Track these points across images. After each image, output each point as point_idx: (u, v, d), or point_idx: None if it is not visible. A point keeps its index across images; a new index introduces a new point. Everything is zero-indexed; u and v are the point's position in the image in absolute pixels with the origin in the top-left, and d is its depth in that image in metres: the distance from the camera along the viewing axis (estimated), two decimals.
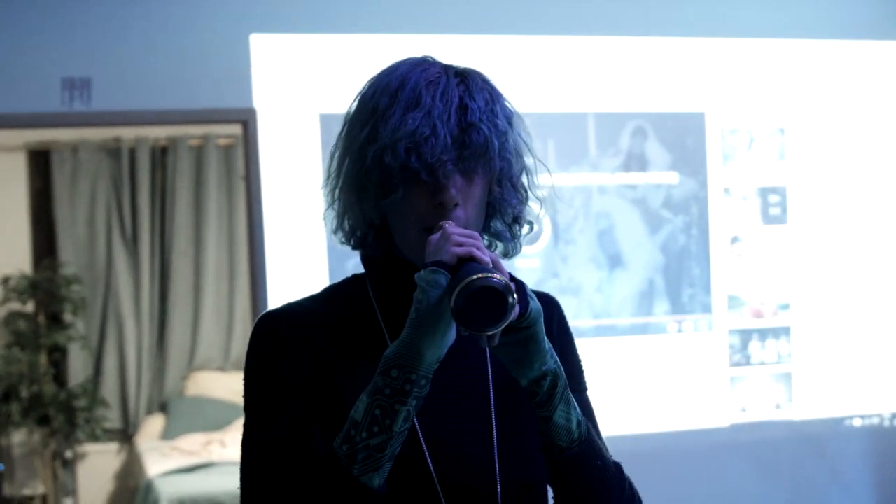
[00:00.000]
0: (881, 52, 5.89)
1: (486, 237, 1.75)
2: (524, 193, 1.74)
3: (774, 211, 5.72)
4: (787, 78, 5.73)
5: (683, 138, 5.60)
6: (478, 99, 1.65)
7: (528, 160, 1.76)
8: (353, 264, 5.09)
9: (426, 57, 1.76)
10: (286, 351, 1.69)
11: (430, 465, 1.66)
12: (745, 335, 5.67)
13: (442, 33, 5.27)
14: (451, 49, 5.41)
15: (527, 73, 5.38)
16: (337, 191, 1.74)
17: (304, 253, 5.13)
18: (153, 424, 8.23)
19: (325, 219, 1.80)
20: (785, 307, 5.72)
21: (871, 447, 5.88)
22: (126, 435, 8.32)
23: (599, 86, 5.50)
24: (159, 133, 8.31)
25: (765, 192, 5.70)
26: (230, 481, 6.80)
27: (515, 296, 1.49)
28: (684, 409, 5.59)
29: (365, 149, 1.66)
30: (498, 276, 1.48)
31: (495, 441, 1.71)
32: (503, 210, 1.73)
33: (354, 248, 1.78)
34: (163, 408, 8.39)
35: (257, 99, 5.10)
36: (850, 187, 5.82)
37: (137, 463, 7.71)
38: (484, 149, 1.64)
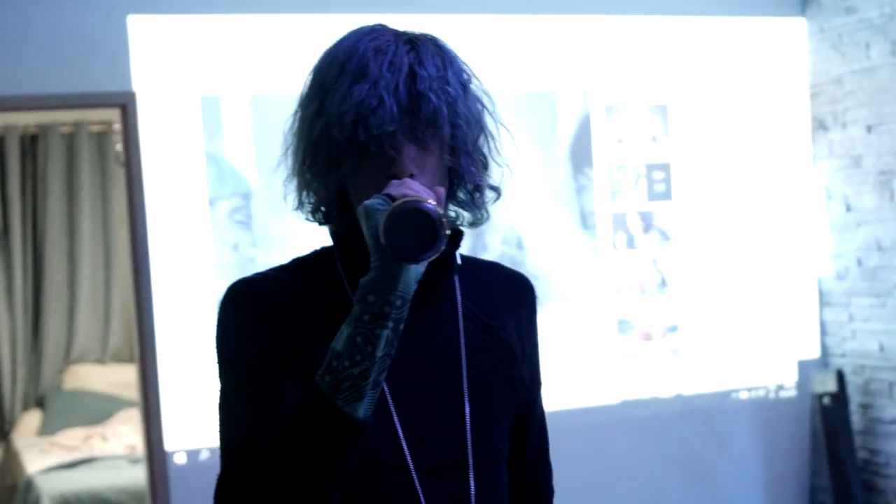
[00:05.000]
0: (760, 29, 5.96)
1: (451, 207, 1.75)
2: (483, 160, 1.72)
3: (659, 187, 5.76)
4: (668, 55, 5.77)
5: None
6: (428, 66, 1.63)
7: (491, 126, 1.74)
8: (241, 252, 4.99)
9: (378, 25, 1.71)
10: (260, 317, 1.67)
11: (400, 431, 1.67)
12: (633, 312, 5.71)
13: (319, 12, 5.18)
14: (330, 28, 5.34)
15: None
16: (295, 167, 1.72)
17: (187, 238, 5.02)
18: (30, 420, 8.00)
19: (284, 195, 1.77)
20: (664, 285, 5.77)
21: (757, 419, 5.96)
22: (2, 432, 8.09)
23: (481, 65, 5.47)
24: (28, 120, 8.07)
25: (650, 169, 5.74)
26: (113, 475, 6.71)
27: (446, 226, 1.49)
28: (575, 387, 5.60)
29: (313, 123, 1.65)
30: (432, 203, 1.48)
31: (468, 414, 1.71)
32: (463, 178, 1.71)
33: (320, 223, 1.76)
34: (40, 403, 8.16)
35: (136, 82, 4.96)
36: (733, 163, 5.89)
37: (15, 460, 7.49)
38: (433, 117, 1.61)
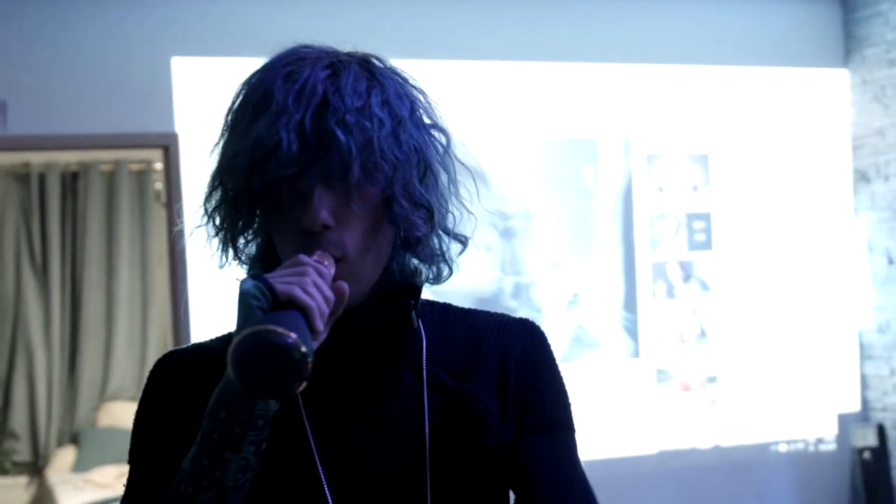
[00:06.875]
0: (802, 80, 5.94)
1: (408, 259, 1.45)
2: (428, 206, 1.39)
3: (700, 237, 5.73)
4: (709, 104, 5.75)
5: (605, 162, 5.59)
6: (346, 94, 1.33)
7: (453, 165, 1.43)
8: None
9: (305, 45, 1.44)
10: (175, 401, 1.41)
11: None
12: (672, 362, 5.66)
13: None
14: None
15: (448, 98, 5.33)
16: (212, 225, 1.49)
17: (226, 281, 5.01)
18: (64, 457, 8.00)
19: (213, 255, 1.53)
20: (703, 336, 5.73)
21: (796, 473, 5.89)
22: (36, 468, 8.08)
23: (522, 111, 5.47)
24: (70, 158, 8.11)
25: (691, 219, 5.71)
26: None
27: (310, 362, 1.18)
28: (612, 437, 5.55)
29: (213, 172, 1.41)
30: (292, 336, 1.17)
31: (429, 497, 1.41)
32: (404, 229, 1.38)
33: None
34: (74, 439, 8.16)
35: (179, 123, 4.98)
36: (774, 214, 5.85)
37: (49, 496, 7.48)
38: (338, 156, 1.31)
